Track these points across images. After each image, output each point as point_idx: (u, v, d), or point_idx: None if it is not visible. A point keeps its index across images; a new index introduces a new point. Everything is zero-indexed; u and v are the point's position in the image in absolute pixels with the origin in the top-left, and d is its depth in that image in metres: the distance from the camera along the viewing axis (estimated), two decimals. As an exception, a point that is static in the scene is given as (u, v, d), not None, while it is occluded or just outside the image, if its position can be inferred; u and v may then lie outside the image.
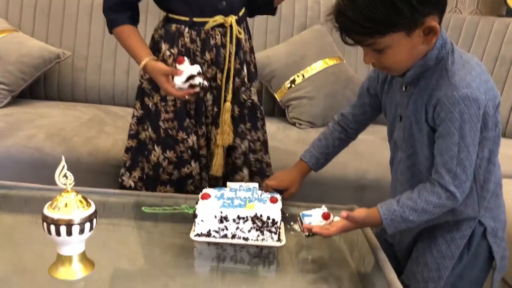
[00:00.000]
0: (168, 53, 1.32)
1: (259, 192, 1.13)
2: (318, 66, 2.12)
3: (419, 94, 1.00)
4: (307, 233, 1.08)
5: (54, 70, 2.16)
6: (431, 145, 1.01)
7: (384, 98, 1.13)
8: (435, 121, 0.98)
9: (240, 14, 1.36)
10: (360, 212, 1.05)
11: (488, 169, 1.04)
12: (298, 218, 1.15)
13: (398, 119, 1.06)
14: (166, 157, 1.38)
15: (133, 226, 1.21)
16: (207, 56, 1.33)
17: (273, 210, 1.04)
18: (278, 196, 1.11)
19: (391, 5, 0.89)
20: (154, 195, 1.30)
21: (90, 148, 1.73)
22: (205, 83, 1.21)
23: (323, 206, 1.15)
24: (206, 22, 1.30)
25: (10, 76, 2.00)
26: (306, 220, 1.10)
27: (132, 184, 1.43)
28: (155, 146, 1.38)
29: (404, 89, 1.03)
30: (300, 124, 2.09)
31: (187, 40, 1.31)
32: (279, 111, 2.21)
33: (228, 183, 1.18)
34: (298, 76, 2.12)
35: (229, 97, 1.36)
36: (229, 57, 1.33)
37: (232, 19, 1.31)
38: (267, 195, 1.10)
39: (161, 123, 1.36)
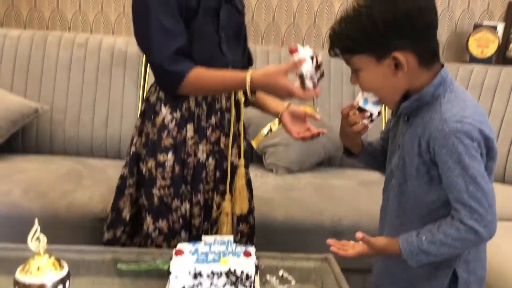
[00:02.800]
0: (169, 117, 1.26)
1: (234, 245, 1.15)
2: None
3: (415, 126, 1.03)
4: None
5: (32, 124, 2.18)
6: (419, 178, 1.02)
7: (392, 129, 1.16)
8: (432, 157, 0.99)
9: None
10: (379, 240, 1.06)
11: None
12: (353, 106, 1.07)
13: (397, 147, 1.09)
14: (157, 227, 1.30)
15: (109, 283, 1.21)
16: (212, 120, 1.29)
17: (246, 265, 1.06)
18: (252, 250, 1.13)
19: (363, 27, 0.96)
20: (130, 251, 1.30)
21: (67, 202, 1.73)
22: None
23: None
24: None
25: (-13, 131, 2.01)
26: (373, 107, 1.05)
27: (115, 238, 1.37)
28: (147, 215, 1.30)
29: (406, 119, 1.07)
30: (277, 170, 2.13)
31: (192, 104, 1.26)
32: (256, 158, 2.25)
33: (203, 237, 1.19)
34: (274, 123, 2.17)
35: (242, 161, 1.33)
36: (235, 121, 1.31)
37: None
38: (241, 248, 1.12)
39: (155, 191, 1.28)
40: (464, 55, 2.56)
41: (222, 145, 1.31)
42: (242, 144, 1.36)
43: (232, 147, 1.32)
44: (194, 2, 1.20)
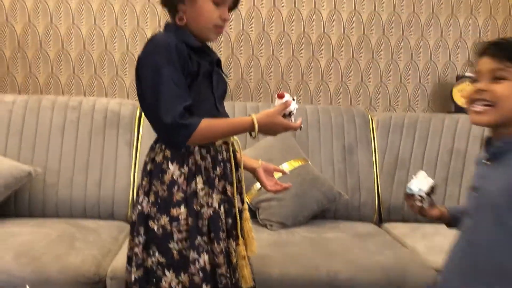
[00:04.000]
0: (178, 172, 1.31)
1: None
2: (284, 168, 2.20)
3: (502, 169, 1.08)
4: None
5: (25, 187, 2.18)
6: (495, 221, 1.04)
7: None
8: None
9: None
10: None
11: None
12: (406, 195, 1.27)
13: (473, 189, 1.14)
14: (180, 281, 1.30)
15: None
16: (218, 171, 1.37)
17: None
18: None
19: None
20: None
21: (59, 266, 1.70)
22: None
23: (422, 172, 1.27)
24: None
25: (-20, 197, 2.00)
26: (416, 188, 1.23)
27: None
28: (166, 271, 1.31)
29: (486, 163, 1.12)
30: (271, 225, 2.12)
31: (197, 158, 1.33)
32: (250, 213, 2.23)
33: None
34: (266, 178, 2.19)
35: (246, 206, 1.42)
36: (235, 170, 1.40)
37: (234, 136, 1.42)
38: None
39: (173, 245, 1.30)
40: (449, 105, 2.63)
41: (229, 193, 1.39)
42: (244, 190, 1.46)
43: (236, 193, 1.41)
44: (195, 67, 1.31)
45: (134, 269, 1.34)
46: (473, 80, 1.14)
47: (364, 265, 1.77)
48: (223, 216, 1.36)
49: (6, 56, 2.52)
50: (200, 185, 1.32)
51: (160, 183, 1.32)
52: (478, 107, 1.10)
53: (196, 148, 1.33)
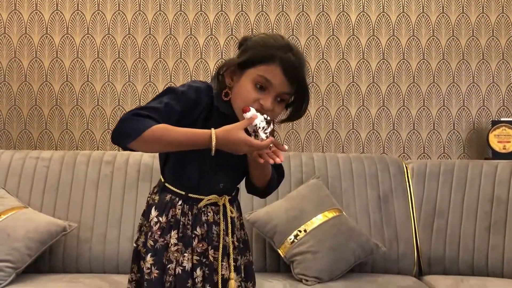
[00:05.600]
0: (155, 219, 1.33)
1: None
2: (318, 219, 2.16)
3: None
4: None
5: (59, 243, 2.19)
6: None
7: None
8: None
9: (233, 194, 1.42)
10: None
11: None
12: None
13: None
14: None
15: None
16: (198, 231, 1.33)
17: None
18: None
19: None
20: None
21: (92, 324, 1.67)
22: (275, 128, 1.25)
23: None
24: (200, 199, 1.33)
25: (16, 253, 2.02)
26: None
27: None
28: None
29: None
30: (307, 280, 2.05)
31: (178, 211, 1.32)
32: (284, 267, 2.18)
33: None
34: (300, 231, 2.15)
35: (232, 275, 1.34)
36: (224, 235, 1.34)
37: (225, 199, 1.36)
38: None
39: None
40: (485, 152, 2.56)
41: (211, 257, 1.33)
42: (232, 257, 1.36)
43: (222, 260, 1.34)
44: (199, 125, 1.27)
45: None
46: None
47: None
48: (199, 280, 1.31)
49: (44, 114, 2.62)
50: (174, 240, 1.31)
51: (149, 225, 1.34)
52: None
53: (180, 202, 1.32)
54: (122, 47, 2.62)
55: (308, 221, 2.15)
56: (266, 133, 1.21)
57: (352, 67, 2.63)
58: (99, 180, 2.31)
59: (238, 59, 1.28)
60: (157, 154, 1.41)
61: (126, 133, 1.19)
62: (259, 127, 1.20)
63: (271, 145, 1.24)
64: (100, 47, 2.61)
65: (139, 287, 1.37)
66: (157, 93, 1.49)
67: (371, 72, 2.63)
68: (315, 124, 2.63)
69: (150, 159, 2.36)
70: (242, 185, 1.47)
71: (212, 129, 1.20)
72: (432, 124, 2.64)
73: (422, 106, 2.64)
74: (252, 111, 1.21)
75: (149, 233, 1.32)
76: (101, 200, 2.27)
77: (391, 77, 2.63)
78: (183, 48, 2.63)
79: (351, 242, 2.11)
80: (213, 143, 1.19)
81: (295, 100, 1.31)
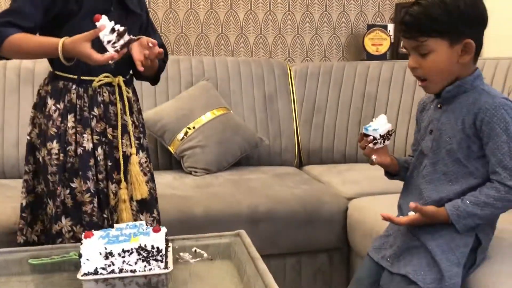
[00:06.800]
0: (53, 108, 1.37)
1: (145, 227, 1.19)
2: (206, 117, 2.26)
3: (453, 110, 1.18)
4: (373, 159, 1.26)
5: None
6: (454, 153, 1.17)
7: (419, 119, 1.31)
8: (479, 128, 1.14)
9: (128, 76, 1.47)
10: (429, 209, 1.16)
11: None
12: (361, 134, 1.26)
13: (429, 132, 1.23)
14: (54, 211, 1.38)
15: (22, 281, 1.20)
16: (96, 111, 1.38)
17: (156, 239, 1.11)
18: (163, 228, 1.17)
19: (449, 12, 1.12)
20: (44, 248, 1.30)
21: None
22: (135, 37, 1.22)
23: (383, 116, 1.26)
24: (93, 80, 1.37)
25: None
26: (372, 127, 1.23)
27: (36, 239, 1.43)
28: (48, 199, 1.39)
29: (438, 107, 1.22)
30: (196, 172, 2.18)
31: (73, 96, 1.36)
32: (176, 164, 2.29)
33: (115, 225, 1.22)
34: (189, 128, 2.25)
35: (134, 150, 1.41)
36: (122, 113, 1.39)
37: (120, 79, 1.40)
38: (151, 228, 1.16)
39: (49, 177, 1.38)
40: (361, 54, 2.79)
41: (110, 136, 1.40)
42: (134, 135, 1.43)
43: (122, 138, 1.40)
44: (73, 5, 1.30)
45: (24, 195, 1.44)
46: (408, 53, 1.21)
47: (282, 198, 1.89)
48: (101, 157, 1.38)
49: None
50: (70, 123, 1.36)
51: (43, 117, 1.39)
52: (419, 83, 1.21)
53: (74, 86, 1.36)
54: None
55: (197, 119, 2.25)
56: (115, 47, 1.19)
57: (240, -30, 2.65)
58: (-24, 85, 2.18)
59: None
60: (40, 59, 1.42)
61: None
62: (104, 41, 1.18)
63: (150, 44, 1.27)
64: None
65: (36, 176, 1.43)
66: None
67: (258, -23, 2.68)
68: (205, 28, 2.66)
69: (31, 63, 2.26)
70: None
71: (61, 40, 1.23)
72: (314, 29, 2.79)
73: (306, 11, 2.76)
74: (103, 20, 1.18)
75: (50, 122, 1.35)
76: (-20, 105, 2.17)
77: (278, -18, 2.70)
78: None
79: (237, 136, 2.26)
80: (60, 54, 1.23)
81: None
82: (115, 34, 1.18)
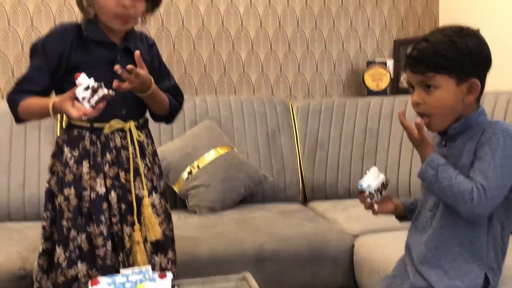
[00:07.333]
0: (69, 155, 1.42)
1: (151, 273, 1.19)
2: (210, 155, 2.28)
3: (458, 146, 1.19)
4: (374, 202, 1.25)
5: None
6: None
7: None
8: (476, 151, 1.14)
9: (141, 121, 1.50)
10: (428, 138, 1.18)
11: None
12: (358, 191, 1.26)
13: None
14: (66, 257, 1.40)
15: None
16: (108, 157, 1.42)
17: (162, 286, 1.10)
18: (169, 274, 1.17)
19: (459, 51, 1.14)
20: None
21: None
22: (110, 92, 1.25)
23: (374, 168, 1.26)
24: (105, 127, 1.42)
25: None
26: (365, 184, 1.22)
27: (51, 286, 1.45)
28: (57, 247, 1.41)
29: (443, 145, 1.23)
30: (201, 211, 2.18)
31: (87, 143, 1.41)
32: (181, 203, 2.30)
33: (121, 270, 1.22)
34: (193, 167, 2.26)
35: (145, 192, 1.44)
36: (133, 158, 1.43)
37: (131, 124, 1.44)
38: (157, 274, 1.16)
39: (64, 223, 1.40)
40: (362, 90, 2.83)
41: (122, 180, 1.43)
42: (143, 176, 1.46)
43: (134, 181, 1.44)
44: (78, 59, 1.39)
45: (42, 240, 1.46)
46: (411, 88, 1.23)
47: (288, 236, 1.88)
48: (114, 201, 1.41)
49: None
50: (85, 169, 1.41)
51: (60, 164, 1.43)
52: (423, 120, 1.20)
53: (87, 134, 1.42)
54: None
55: (201, 158, 2.27)
56: (90, 103, 1.24)
57: (241, 11, 2.72)
58: (-17, 128, 2.22)
59: None
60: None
61: (12, 115, 1.43)
62: (80, 98, 1.24)
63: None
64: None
65: (54, 224, 1.44)
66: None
67: (258, 17, 2.74)
68: (208, 68, 2.71)
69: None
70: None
71: (51, 100, 1.31)
72: (315, 67, 2.84)
73: (306, 49, 2.82)
74: (81, 77, 1.24)
75: (67, 169, 1.41)
76: (-14, 148, 2.20)
77: (277, 22, 2.77)
78: None
79: (241, 174, 2.27)
80: (51, 113, 1.32)
81: None
82: (90, 90, 1.24)
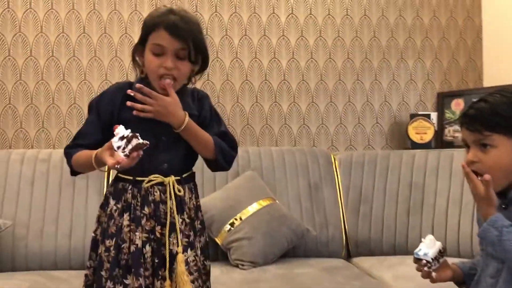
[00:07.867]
0: (114, 207, 1.47)
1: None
2: (253, 208, 2.28)
3: None
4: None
5: (-7, 241, 2.16)
6: None
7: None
8: None
9: (184, 175, 1.51)
10: (494, 197, 1.14)
11: None
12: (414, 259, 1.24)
13: None
14: None
15: None
16: (146, 210, 1.44)
17: None
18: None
19: None
20: None
21: (30, 316, 1.69)
22: (144, 141, 1.29)
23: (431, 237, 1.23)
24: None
25: None
26: (422, 253, 1.21)
27: None
28: None
29: (503, 207, 1.19)
30: (243, 265, 2.16)
31: (129, 196, 1.45)
32: (222, 255, 2.28)
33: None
34: (236, 219, 2.26)
35: (180, 249, 1.44)
36: (171, 212, 1.44)
37: (171, 179, 1.45)
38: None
39: (103, 273, 1.43)
40: (405, 142, 2.79)
41: (158, 234, 1.45)
42: (182, 233, 1.46)
43: (169, 236, 1.44)
44: (127, 113, 1.44)
45: None
46: (465, 147, 1.22)
47: (333, 296, 1.83)
48: (148, 255, 1.43)
49: (-25, 113, 2.56)
50: (126, 221, 1.44)
51: (105, 215, 1.48)
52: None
53: (130, 187, 1.46)
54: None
55: (243, 210, 2.27)
56: (124, 152, 1.29)
57: (283, 65, 2.78)
58: (34, 178, 2.30)
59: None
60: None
61: (68, 167, 1.51)
62: (115, 147, 1.29)
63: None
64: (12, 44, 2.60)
65: (95, 273, 1.48)
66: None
67: (300, 70, 2.79)
68: (250, 120, 2.76)
69: (87, 156, 2.37)
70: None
71: (94, 152, 1.38)
72: (357, 118, 2.84)
73: (348, 101, 2.83)
74: (118, 129, 1.29)
75: (111, 221, 1.45)
76: (36, 197, 2.26)
77: (319, 75, 2.81)
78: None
79: (284, 227, 2.25)
80: (93, 164, 1.38)
81: (196, 53, 1.44)
82: (124, 140, 1.29)
